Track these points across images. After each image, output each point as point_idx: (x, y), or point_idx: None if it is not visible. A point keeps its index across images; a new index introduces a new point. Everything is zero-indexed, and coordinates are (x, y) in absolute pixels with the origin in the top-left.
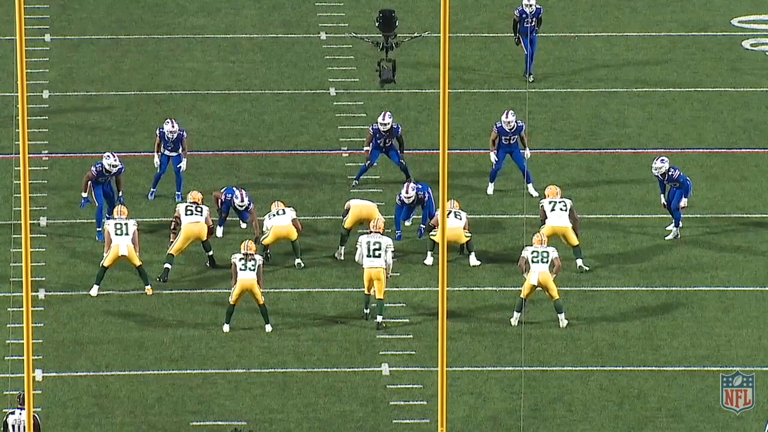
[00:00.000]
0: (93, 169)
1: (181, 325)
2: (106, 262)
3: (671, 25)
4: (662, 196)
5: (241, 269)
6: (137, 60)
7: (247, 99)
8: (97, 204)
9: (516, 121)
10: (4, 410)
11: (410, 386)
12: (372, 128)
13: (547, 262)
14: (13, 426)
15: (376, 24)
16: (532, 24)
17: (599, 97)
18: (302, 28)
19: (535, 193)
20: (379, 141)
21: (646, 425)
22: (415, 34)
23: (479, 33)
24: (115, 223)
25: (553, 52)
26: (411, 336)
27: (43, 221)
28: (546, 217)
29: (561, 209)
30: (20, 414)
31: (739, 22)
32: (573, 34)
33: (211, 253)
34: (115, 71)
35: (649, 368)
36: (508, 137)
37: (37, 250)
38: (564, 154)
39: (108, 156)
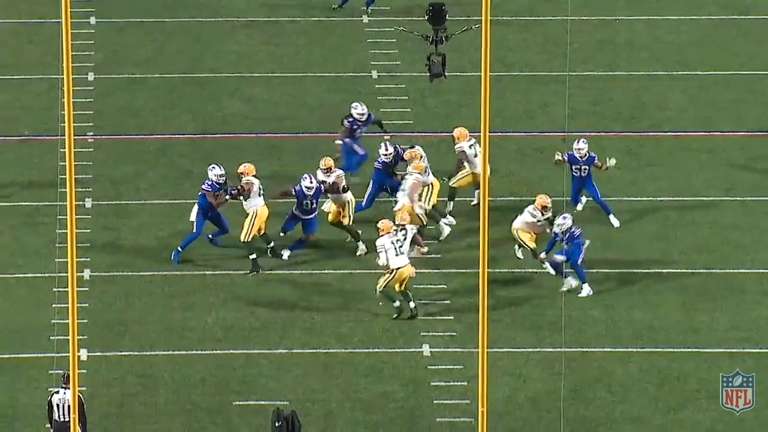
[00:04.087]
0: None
1: (224, 306)
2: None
3: (712, 8)
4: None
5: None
6: (181, 42)
7: (290, 82)
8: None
9: (588, 152)
10: (49, 389)
11: (451, 367)
12: (348, 122)
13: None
14: (58, 405)
15: (426, 17)
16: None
17: (640, 80)
18: (344, 11)
19: (616, 224)
20: (357, 131)
21: (685, 406)
22: (465, 28)
23: (520, 16)
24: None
25: (594, 35)
26: (452, 317)
27: (88, 203)
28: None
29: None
30: (65, 393)
31: None
32: (614, 17)
33: (272, 244)
34: (160, 54)
35: (689, 350)
36: (579, 167)
37: (82, 231)
38: (605, 137)
39: (213, 167)
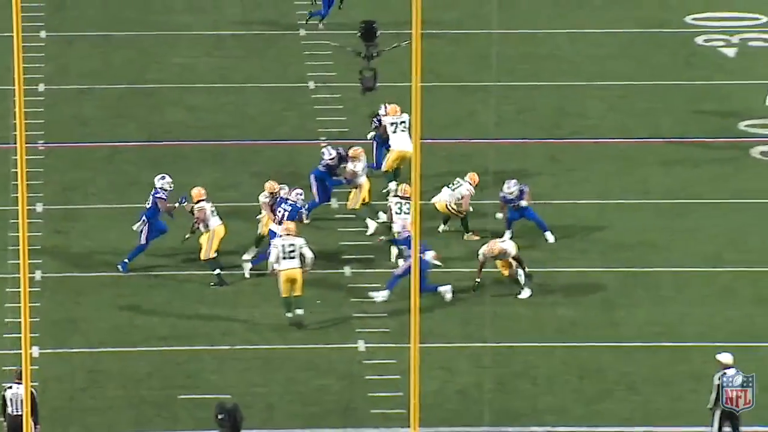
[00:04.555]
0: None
1: (169, 305)
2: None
3: (629, 23)
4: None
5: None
6: (127, 55)
7: (231, 92)
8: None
9: (519, 187)
10: (2, 384)
11: (384, 361)
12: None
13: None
14: (11, 399)
15: (358, 34)
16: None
17: (562, 90)
18: (282, 25)
19: (551, 239)
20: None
21: (605, 398)
22: (395, 45)
23: (450, 30)
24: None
25: (518, 48)
26: (386, 314)
27: (39, 207)
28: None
29: (402, 130)
30: (18, 388)
31: (692, 19)
32: (537, 30)
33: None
34: (107, 66)
35: (608, 344)
36: (514, 204)
37: (33, 234)
38: (529, 144)
39: (164, 176)
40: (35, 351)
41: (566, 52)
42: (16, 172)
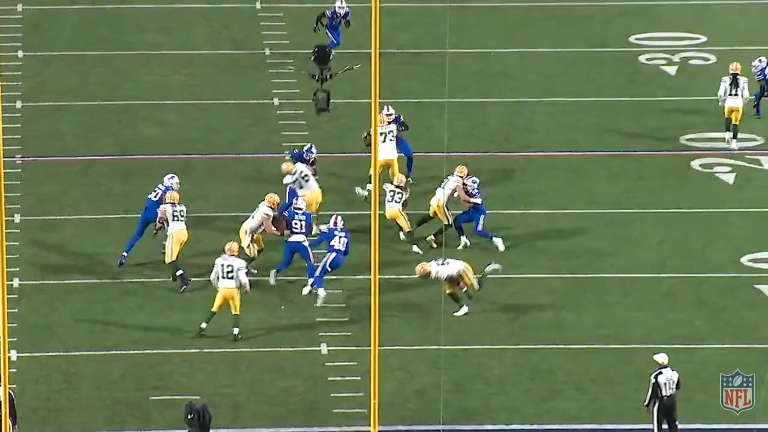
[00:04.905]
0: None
1: (141, 310)
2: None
3: (575, 42)
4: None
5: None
6: (101, 74)
7: (200, 108)
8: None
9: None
10: None
11: (346, 363)
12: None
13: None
14: None
15: (312, 58)
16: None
17: (512, 106)
18: (249, 45)
19: (501, 248)
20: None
21: (555, 397)
22: (347, 67)
23: (406, 50)
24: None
25: (471, 66)
26: (347, 319)
27: (17, 218)
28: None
29: (390, 140)
30: None
31: (635, 39)
32: (489, 50)
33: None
34: (82, 84)
35: (558, 346)
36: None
37: (11, 243)
38: (481, 157)
39: (173, 176)
40: (13, 354)
41: (516, 70)
42: None
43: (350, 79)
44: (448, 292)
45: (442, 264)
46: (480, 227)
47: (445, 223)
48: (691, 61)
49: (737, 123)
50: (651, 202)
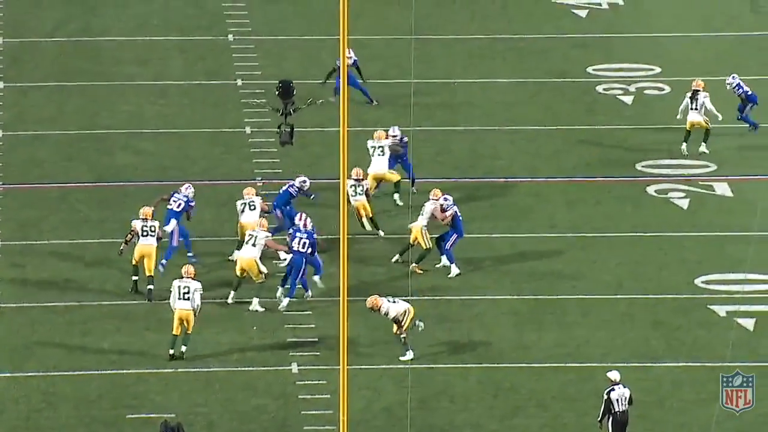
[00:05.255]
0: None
1: (118, 332)
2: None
3: (536, 73)
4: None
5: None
6: (79, 103)
7: (175, 137)
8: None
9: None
10: None
11: (316, 382)
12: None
13: (423, 215)
14: None
15: (276, 92)
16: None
17: (476, 134)
18: (222, 75)
19: (453, 274)
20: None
21: (517, 414)
22: (310, 101)
23: (373, 80)
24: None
25: (436, 96)
26: (317, 339)
27: None
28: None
29: (379, 154)
30: None
31: (593, 69)
32: (453, 80)
33: (151, 287)
34: (60, 113)
35: (520, 365)
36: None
37: None
38: (446, 183)
39: (188, 186)
40: None
41: (479, 99)
42: None
43: (320, 108)
44: (394, 332)
45: (393, 302)
46: (448, 245)
47: (426, 247)
48: (647, 91)
49: (708, 131)
50: (608, 226)
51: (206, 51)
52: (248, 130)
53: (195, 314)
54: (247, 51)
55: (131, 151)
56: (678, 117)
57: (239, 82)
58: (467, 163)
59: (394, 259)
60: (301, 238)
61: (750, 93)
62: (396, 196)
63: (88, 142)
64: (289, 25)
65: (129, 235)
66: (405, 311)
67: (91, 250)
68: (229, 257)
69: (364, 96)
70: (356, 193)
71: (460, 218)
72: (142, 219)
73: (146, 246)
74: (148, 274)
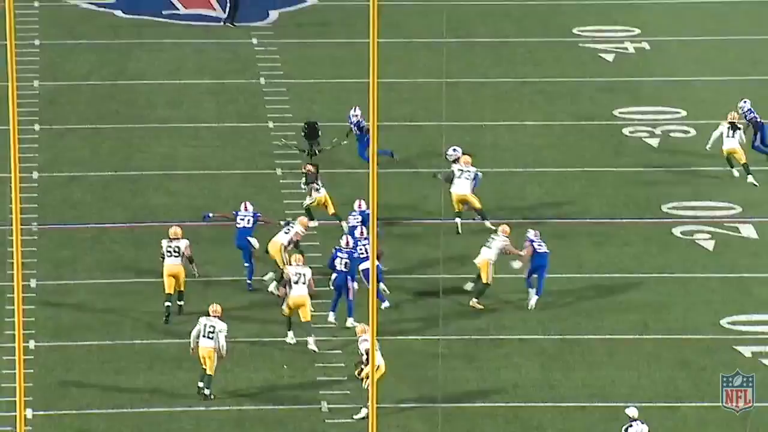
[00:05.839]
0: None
1: (150, 370)
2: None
3: (563, 116)
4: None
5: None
6: (113, 146)
7: (207, 177)
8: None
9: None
10: None
11: (345, 421)
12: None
13: (491, 248)
14: None
15: (302, 134)
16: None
17: (503, 176)
18: (253, 118)
19: (532, 304)
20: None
21: None
22: (335, 141)
23: (402, 122)
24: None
25: (464, 138)
26: (345, 378)
27: (33, 283)
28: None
29: (466, 178)
30: None
31: (619, 113)
32: (481, 122)
33: (180, 303)
34: (95, 155)
35: (547, 404)
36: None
37: (28, 307)
38: (472, 224)
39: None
40: (29, 413)
41: (507, 141)
42: (12, 251)
43: (349, 149)
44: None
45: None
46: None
47: (485, 282)
48: (672, 134)
49: (743, 161)
50: (634, 267)
51: (238, 94)
52: (279, 171)
53: (222, 355)
54: (279, 94)
55: (164, 192)
56: (708, 147)
57: (271, 124)
58: (495, 204)
59: (473, 304)
60: (342, 258)
61: (760, 121)
62: (478, 218)
63: (122, 183)
64: (319, 69)
65: (161, 256)
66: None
67: (124, 289)
68: (264, 278)
69: (384, 155)
70: (320, 186)
71: (538, 252)
72: (169, 239)
73: (172, 266)
74: (167, 291)
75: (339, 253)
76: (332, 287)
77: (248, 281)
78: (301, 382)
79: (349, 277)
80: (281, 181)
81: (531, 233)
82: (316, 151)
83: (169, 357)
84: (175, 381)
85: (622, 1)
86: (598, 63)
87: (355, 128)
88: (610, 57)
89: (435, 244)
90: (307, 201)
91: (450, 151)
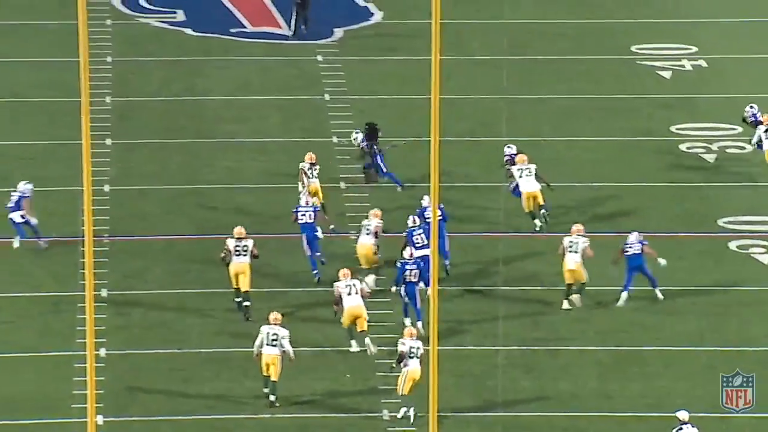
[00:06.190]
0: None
1: (217, 378)
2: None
3: (621, 131)
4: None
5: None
6: (182, 159)
7: (273, 191)
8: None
9: (640, 241)
10: None
11: (406, 429)
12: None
13: (578, 251)
14: None
15: (363, 135)
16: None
17: (562, 190)
18: (318, 133)
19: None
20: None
21: None
22: (393, 142)
23: (463, 137)
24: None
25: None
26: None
27: (104, 292)
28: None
29: (527, 175)
30: None
31: (676, 129)
32: (540, 138)
33: (247, 303)
34: (164, 169)
35: (604, 414)
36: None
37: (99, 316)
38: (534, 236)
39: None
40: (100, 419)
41: (565, 157)
42: (85, 262)
43: (411, 164)
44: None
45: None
46: (649, 273)
47: (582, 281)
48: (728, 150)
49: None
50: (690, 280)
51: (303, 109)
52: (343, 185)
53: (291, 358)
54: (343, 110)
55: (231, 205)
56: (753, 147)
57: (335, 139)
58: (553, 218)
59: (564, 307)
60: (411, 270)
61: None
62: (541, 215)
63: (190, 196)
64: (382, 85)
65: (223, 253)
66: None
67: (192, 299)
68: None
69: (393, 181)
70: (312, 176)
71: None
72: (236, 238)
73: (240, 264)
74: (243, 290)
75: (407, 266)
76: (402, 297)
77: (315, 271)
78: (362, 390)
79: (422, 282)
80: (344, 194)
81: (633, 236)
82: (376, 151)
83: (235, 365)
84: (240, 389)
85: (680, 19)
86: (655, 80)
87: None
88: (667, 74)
89: (495, 256)
90: (300, 188)
91: (505, 149)
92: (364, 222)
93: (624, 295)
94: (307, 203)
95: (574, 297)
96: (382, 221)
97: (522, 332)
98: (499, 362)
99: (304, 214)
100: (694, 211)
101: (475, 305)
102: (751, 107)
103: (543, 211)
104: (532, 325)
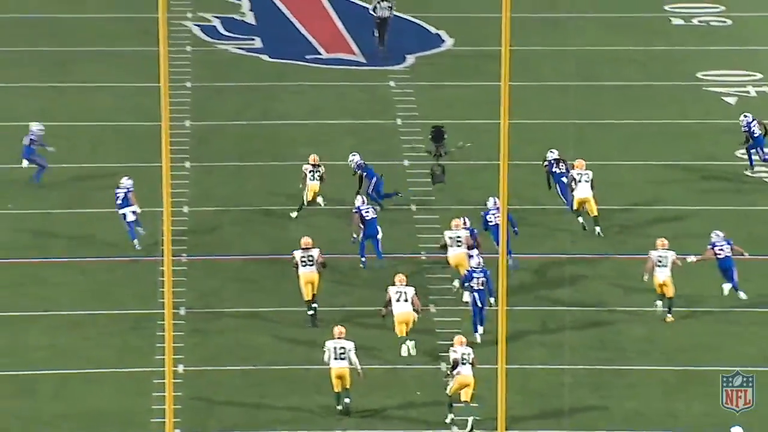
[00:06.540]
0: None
1: (291, 394)
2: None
3: (685, 156)
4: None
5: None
6: (256, 182)
7: (345, 213)
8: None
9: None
10: None
11: None
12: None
13: (667, 265)
14: None
15: (429, 137)
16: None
17: (626, 213)
18: (390, 156)
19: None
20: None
21: None
22: (460, 144)
23: (530, 161)
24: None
25: (589, 175)
26: (475, 404)
27: (182, 311)
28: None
29: (585, 181)
30: None
31: (741, 153)
32: (606, 162)
33: (314, 306)
34: (240, 191)
35: None
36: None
37: (177, 333)
38: (596, 258)
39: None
40: None
41: (628, 179)
42: (164, 281)
43: (480, 187)
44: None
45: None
46: (735, 276)
47: (670, 297)
48: None
49: None
50: (754, 302)
51: (376, 134)
52: (413, 207)
53: (358, 374)
54: (414, 134)
55: (304, 226)
56: None
57: (406, 162)
58: (618, 239)
59: (667, 318)
60: (478, 278)
61: (756, 134)
62: (598, 228)
63: (265, 217)
64: (453, 110)
65: (294, 264)
66: (459, 376)
67: (266, 317)
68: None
69: (380, 202)
70: (314, 178)
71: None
72: (302, 249)
73: (307, 274)
74: (306, 299)
75: (474, 274)
76: (471, 306)
77: (362, 258)
78: (431, 406)
79: (488, 291)
80: (414, 216)
81: (715, 236)
82: (442, 153)
83: (309, 382)
84: (313, 404)
85: (744, 47)
86: (720, 105)
87: (359, 170)
88: (732, 100)
89: (562, 276)
90: (305, 193)
91: (548, 154)
92: (449, 234)
93: (726, 286)
94: (363, 202)
95: (667, 317)
96: (469, 229)
97: (588, 351)
98: (565, 381)
99: (367, 211)
100: (759, 234)
101: (541, 324)
102: (745, 116)
103: (597, 228)
104: (598, 345)
